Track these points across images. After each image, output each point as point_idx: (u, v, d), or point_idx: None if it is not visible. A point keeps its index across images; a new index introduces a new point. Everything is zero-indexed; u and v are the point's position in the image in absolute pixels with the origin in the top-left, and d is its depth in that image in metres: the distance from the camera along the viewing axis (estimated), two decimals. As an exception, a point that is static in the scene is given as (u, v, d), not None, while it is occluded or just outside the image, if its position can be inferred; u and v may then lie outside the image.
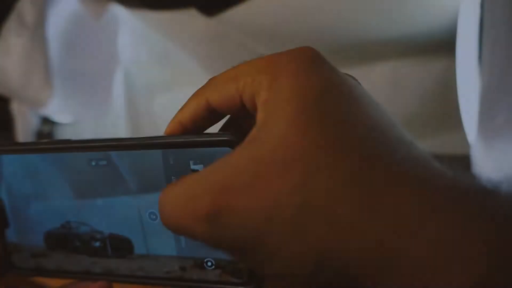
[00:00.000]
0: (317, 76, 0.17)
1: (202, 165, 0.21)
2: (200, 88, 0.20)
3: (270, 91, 0.17)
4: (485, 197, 0.14)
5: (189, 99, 0.21)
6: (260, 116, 0.17)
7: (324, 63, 0.17)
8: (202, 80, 0.21)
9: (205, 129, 0.22)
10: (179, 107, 0.21)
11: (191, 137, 0.21)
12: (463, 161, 0.48)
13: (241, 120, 0.22)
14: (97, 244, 0.24)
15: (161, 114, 0.78)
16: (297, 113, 0.16)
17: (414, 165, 0.15)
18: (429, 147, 0.17)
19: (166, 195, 0.18)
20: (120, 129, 0.80)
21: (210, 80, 0.20)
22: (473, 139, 0.45)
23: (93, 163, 0.23)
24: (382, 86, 0.56)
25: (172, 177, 0.21)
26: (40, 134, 0.78)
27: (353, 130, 0.16)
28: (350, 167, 0.15)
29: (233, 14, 0.52)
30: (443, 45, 0.52)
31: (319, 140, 0.15)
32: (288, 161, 0.15)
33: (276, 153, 0.16)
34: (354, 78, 0.19)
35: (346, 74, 0.18)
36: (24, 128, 0.75)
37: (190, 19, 0.56)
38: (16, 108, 0.75)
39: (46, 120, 0.79)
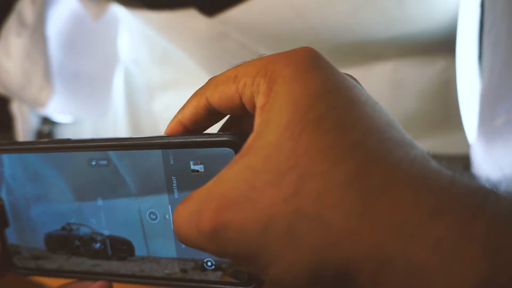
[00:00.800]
0: (314, 80, 0.16)
1: (202, 165, 0.21)
2: (200, 88, 0.20)
3: (267, 97, 0.17)
4: (484, 197, 0.14)
5: (189, 99, 0.21)
6: (257, 122, 0.17)
7: (323, 64, 0.17)
8: (202, 80, 0.21)
9: (205, 129, 0.22)
10: (179, 107, 0.21)
11: (191, 137, 0.21)
12: (463, 161, 0.48)
13: (241, 120, 0.22)
14: (98, 245, 0.24)
15: (161, 114, 0.78)
16: (291, 121, 0.16)
17: (412, 166, 0.15)
18: (429, 147, 0.17)
19: (177, 212, 0.18)
20: (120, 129, 0.80)
21: (210, 80, 0.20)
22: (473, 139, 0.45)
23: (93, 163, 0.23)
24: (382, 86, 0.56)
25: (172, 177, 0.21)
26: (40, 134, 0.78)
27: (348, 134, 0.15)
28: (344, 172, 0.15)
29: (233, 14, 0.52)
30: (443, 45, 0.51)
31: (312, 147, 0.15)
32: (281, 170, 0.15)
33: (269, 162, 0.16)
34: (353, 78, 0.19)
35: (345, 74, 0.18)
36: (24, 128, 0.75)
37: (190, 19, 0.56)
38: (16, 108, 0.75)
39: (46, 120, 0.79)
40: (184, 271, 0.23)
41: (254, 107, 0.18)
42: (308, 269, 0.15)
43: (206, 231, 0.16)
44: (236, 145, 0.20)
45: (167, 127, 0.21)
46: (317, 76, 0.17)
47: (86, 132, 0.81)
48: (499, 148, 0.39)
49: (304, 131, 0.16)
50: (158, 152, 0.21)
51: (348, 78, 0.18)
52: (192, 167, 0.21)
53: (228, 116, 0.22)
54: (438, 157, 0.16)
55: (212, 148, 0.20)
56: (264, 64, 0.18)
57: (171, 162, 0.21)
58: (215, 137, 0.20)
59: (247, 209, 0.16)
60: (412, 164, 0.15)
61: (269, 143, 0.16)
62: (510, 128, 0.37)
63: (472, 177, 0.15)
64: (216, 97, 0.19)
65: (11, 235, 0.26)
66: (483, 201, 0.14)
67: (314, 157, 0.15)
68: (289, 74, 0.17)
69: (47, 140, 0.24)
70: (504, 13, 0.37)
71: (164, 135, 0.21)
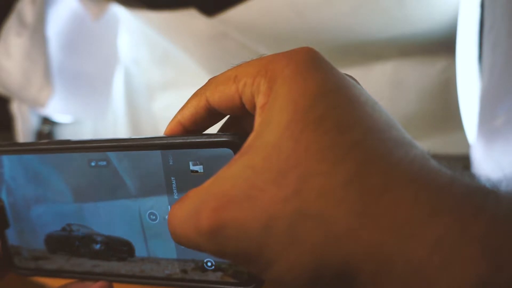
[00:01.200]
0: (314, 80, 0.16)
1: (201, 166, 0.21)
2: (200, 88, 0.20)
3: (267, 96, 0.17)
4: (484, 197, 0.14)
5: (189, 99, 0.21)
6: (257, 121, 0.17)
7: (323, 64, 0.17)
8: (202, 80, 0.21)
9: (205, 129, 0.22)
10: (179, 107, 0.21)
11: (190, 138, 0.21)
12: (463, 161, 0.48)
13: (241, 120, 0.22)
14: (98, 246, 0.24)
15: (161, 114, 0.78)
16: (291, 120, 0.16)
17: (411, 166, 0.15)
18: (429, 147, 0.17)
19: (172, 211, 0.18)
20: (120, 129, 0.80)
21: (210, 80, 0.20)
22: (473, 139, 0.45)
23: (93, 164, 0.23)
24: (382, 86, 0.56)
25: (172, 178, 0.21)
26: (40, 134, 0.78)
27: (348, 134, 0.15)
28: (345, 172, 0.15)
29: (233, 14, 0.52)
30: (443, 45, 0.52)
31: (313, 147, 0.15)
32: (282, 169, 0.15)
33: (270, 161, 0.16)
34: (353, 78, 0.19)
35: (345, 74, 0.18)
36: (24, 128, 0.75)
37: (190, 19, 0.56)
38: (16, 108, 0.75)
39: (46, 120, 0.79)
40: (184, 271, 0.23)
41: (254, 107, 0.18)
42: (309, 268, 0.15)
43: (205, 230, 0.16)
44: (236, 146, 0.20)
45: (167, 127, 0.21)
46: (317, 76, 0.17)
47: (86, 132, 0.81)
48: (499, 148, 0.39)
49: (304, 130, 0.16)
50: (158, 152, 0.21)
51: (348, 78, 0.18)
52: (192, 167, 0.21)
53: (228, 116, 0.22)
54: (438, 157, 0.16)
55: (212, 149, 0.20)
56: (264, 64, 0.18)
57: (171, 163, 0.21)
58: (214, 138, 0.20)
59: (247, 208, 0.16)
60: (412, 163, 0.15)
61: (270, 143, 0.16)
62: (510, 128, 0.37)
63: (472, 176, 0.15)
64: (216, 97, 0.19)
65: (12, 236, 0.26)
66: (483, 200, 0.14)
67: (315, 157, 0.15)
68: (289, 74, 0.17)
69: (47, 141, 0.24)
70: (504, 13, 0.37)
71: (164, 135, 0.21)
